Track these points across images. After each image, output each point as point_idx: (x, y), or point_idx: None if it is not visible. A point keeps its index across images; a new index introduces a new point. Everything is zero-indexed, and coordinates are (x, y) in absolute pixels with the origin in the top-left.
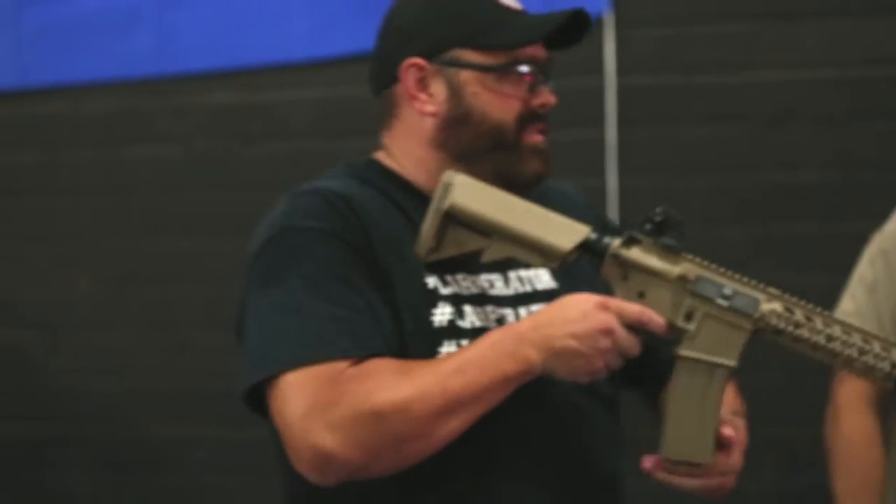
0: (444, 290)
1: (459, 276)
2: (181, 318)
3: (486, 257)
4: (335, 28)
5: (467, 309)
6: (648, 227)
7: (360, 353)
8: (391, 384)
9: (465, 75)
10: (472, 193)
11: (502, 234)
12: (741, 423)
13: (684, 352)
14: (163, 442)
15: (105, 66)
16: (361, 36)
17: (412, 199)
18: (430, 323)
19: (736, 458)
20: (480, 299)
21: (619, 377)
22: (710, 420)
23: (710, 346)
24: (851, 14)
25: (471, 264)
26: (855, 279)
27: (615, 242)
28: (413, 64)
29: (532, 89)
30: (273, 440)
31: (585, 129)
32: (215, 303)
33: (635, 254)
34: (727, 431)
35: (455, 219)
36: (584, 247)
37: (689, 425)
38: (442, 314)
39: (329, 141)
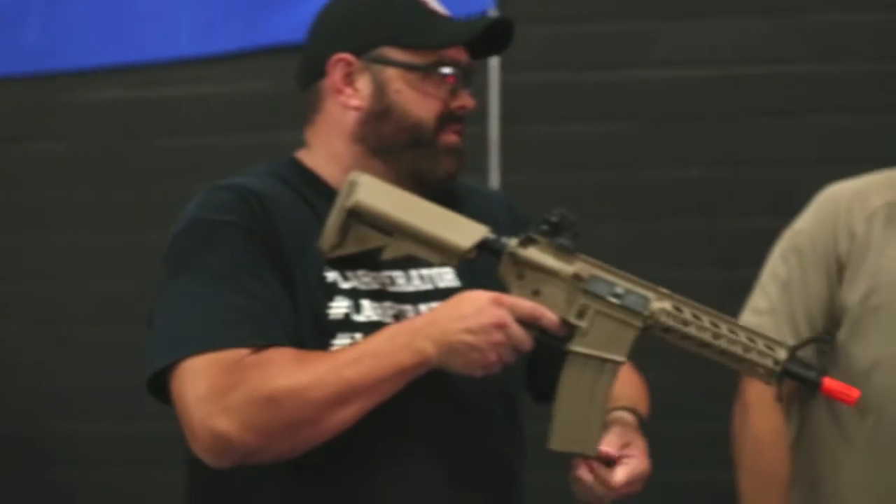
0: (344, 285)
1: (361, 272)
2: (68, 314)
3: (387, 254)
4: (225, 24)
5: (365, 303)
6: (545, 227)
7: (261, 342)
8: (288, 371)
9: (390, 72)
10: (375, 192)
11: (403, 233)
12: (634, 438)
13: (576, 347)
14: (53, 437)
15: None
16: (252, 32)
17: (323, 196)
18: (326, 315)
19: (619, 476)
20: (379, 295)
21: (530, 379)
22: (597, 414)
23: (601, 343)
24: (738, 14)
25: (373, 261)
26: (767, 276)
27: (512, 242)
28: (341, 59)
29: (453, 91)
30: (180, 425)
31: (468, 126)
32: (104, 298)
33: (531, 253)
34: (606, 449)
35: (358, 216)
36: (482, 246)
37: (577, 418)
38: (338, 307)
39: (218, 136)
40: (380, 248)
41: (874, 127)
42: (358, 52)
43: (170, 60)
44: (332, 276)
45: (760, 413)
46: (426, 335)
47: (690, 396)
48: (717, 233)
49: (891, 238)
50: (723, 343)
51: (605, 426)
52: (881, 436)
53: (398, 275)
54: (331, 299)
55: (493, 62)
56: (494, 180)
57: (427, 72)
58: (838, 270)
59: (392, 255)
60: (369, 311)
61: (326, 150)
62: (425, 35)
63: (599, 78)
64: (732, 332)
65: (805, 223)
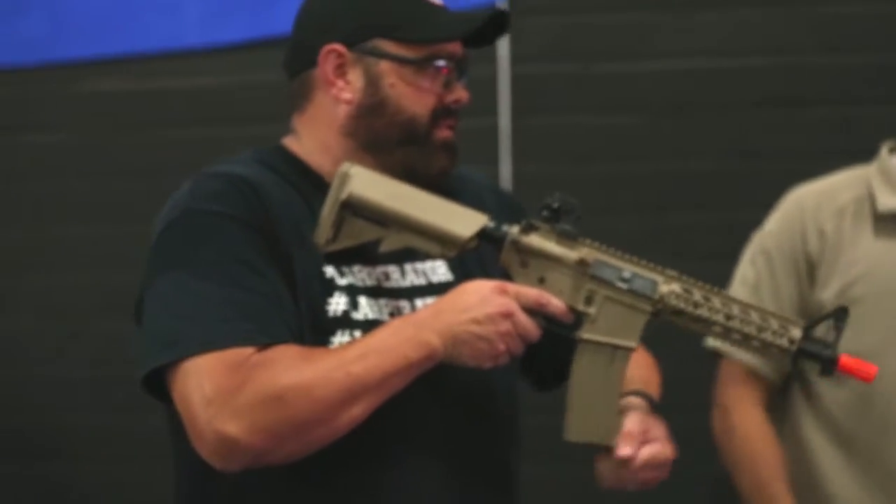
0: (341, 281)
1: (356, 267)
2: (70, 305)
3: (385, 247)
4: (229, 15)
5: (362, 300)
6: (546, 213)
7: (266, 339)
8: (295, 369)
9: (384, 66)
10: (368, 183)
11: (400, 224)
12: (652, 423)
13: (585, 335)
14: (56, 430)
15: None
16: (259, 21)
17: (312, 186)
18: (325, 312)
19: (643, 454)
20: (375, 291)
21: (528, 366)
22: (612, 402)
23: (611, 329)
24: (748, 4)
25: (368, 255)
26: (737, 280)
27: (513, 230)
28: (333, 50)
29: (447, 85)
30: (169, 423)
31: (479, 118)
32: (107, 290)
33: (534, 240)
34: (625, 449)
35: (352, 209)
36: (483, 235)
37: (592, 408)
38: (337, 304)
39: (227, 128)
40: (376, 240)
41: (886, 118)
42: (350, 44)
43: (175, 51)
44: (329, 271)
45: (743, 412)
46: (431, 327)
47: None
48: (727, 225)
49: (862, 230)
50: (735, 324)
51: (621, 412)
52: (867, 432)
53: (393, 269)
54: (329, 295)
55: (503, 53)
56: (506, 172)
57: (422, 65)
58: (808, 270)
59: (389, 247)
60: (366, 308)
61: (316, 141)
62: (421, 28)
63: (609, 69)
64: (745, 312)
65: (771, 226)
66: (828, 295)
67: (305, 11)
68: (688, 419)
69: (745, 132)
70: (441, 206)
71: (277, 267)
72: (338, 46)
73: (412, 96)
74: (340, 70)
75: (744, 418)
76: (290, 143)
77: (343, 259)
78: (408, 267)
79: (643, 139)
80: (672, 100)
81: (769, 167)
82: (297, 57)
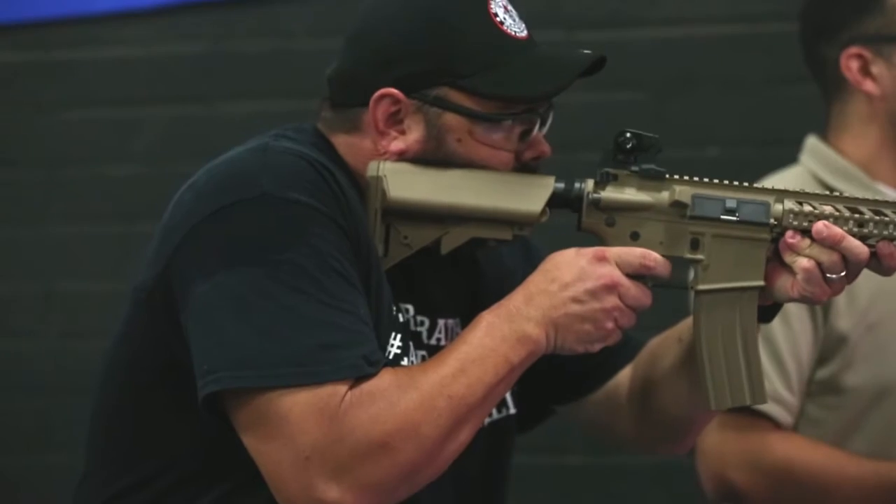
0: (400, 318)
1: (409, 307)
2: None
3: (446, 247)
4: None
5: (410, 346)
6: (620, 156)
7: (368, 371)
8: (396, 406)
9: (450, 119)
10: (407, 180)
11: (457, 216)
12: None
13: (702, 286)
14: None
15: None
16: None
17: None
18: (388, 353)
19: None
20: (418, 340)
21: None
22: (751, 353)
23: (729, 271)
24: None
25: (416, 297)
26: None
27: (588, 185)
28: (387, 95)
29: (525, 137)
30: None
31: None
32: None
33: (615, 191)
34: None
35: (397, 214)
36: (554, 201)
37: (730, 366)
38: (392, 346)
39: (141, 108)
40: (432, 245)
41: None
42: (410, 90)
43: (80, 17)
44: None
45: (778, 439)
46: (527, 317)
47: None
48: None
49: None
50: (871, 228)
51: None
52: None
53: (423, 319)
54: (391, 334)
55: None
56: None
57: (497, 122)
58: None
59: (451, 246)
60: (413, 357)
61: (359, 165)
62: (499, 80)
63: (597, 38)
64: (877, 212)
65: None
66: (846, 323)
67: (360, 38)
68: None
69: (761, 111)
70: (496, 183)
71: (361, 283)
72: (394, 91)
73: (484, 155)
74: (394, 117)
75: (780, 443)
76: (330, 136)
77: (398, 294)
78: (440, 322)
79: (641, 122)
80: (675, 75)
81: (788, 152)
82: (345, 89)
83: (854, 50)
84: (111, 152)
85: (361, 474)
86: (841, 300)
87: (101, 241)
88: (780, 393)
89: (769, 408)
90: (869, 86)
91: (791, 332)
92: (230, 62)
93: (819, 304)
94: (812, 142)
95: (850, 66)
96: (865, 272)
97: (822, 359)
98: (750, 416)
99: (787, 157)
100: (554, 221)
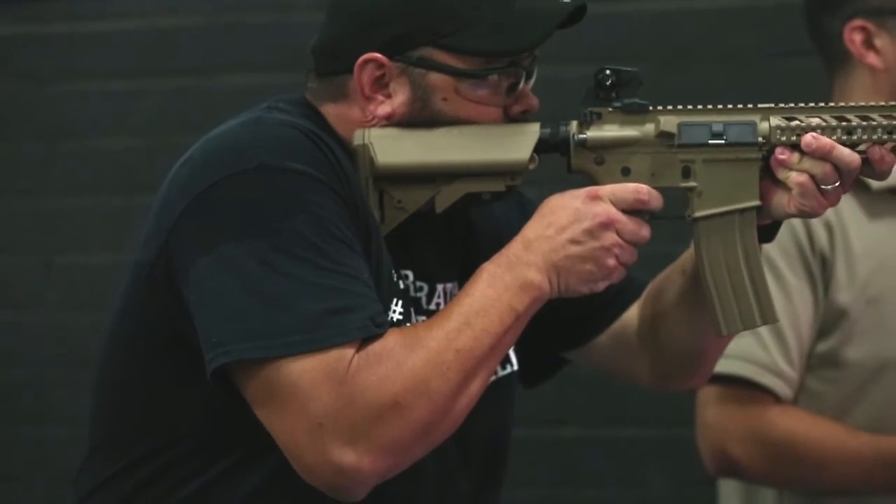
0: (400, 285)
1: (409, 273)
2: None
3: (440, 206)
4: None
5: (412, 312)
6: (602, 94)
7: (375, 332)
8: (404, 364)
9: (435, 78)
10: (393, 145)
11: (447, 174)
12: None
13: (698, 212)
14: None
15: None
16: None
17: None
18: (390, 319)
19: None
20: (419, 306)
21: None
22: (756, 273)
23: (724, 194)
24: None
25: (418, 264)
26: None
27: (573, 127)
28: (371, 59)
29: (511, 91)
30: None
31: None
32: None
33: (600, 130)
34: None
35: (388, 179)
36: (542, 147)
37: (737, 288)
38: (394, 312)
39: (141, 81)
40: (426, 206)
41: None
42: (393, 53)
43: None
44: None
45: (778, 413)
46: (527, 263)
47: None
48: None
49: (855, 214)
50: (859, 134)
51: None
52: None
53: (422, 285)
54: (392, 300)
55: None
56: None
57: (481, 77)
58: (822, 271)
59: (445, 204)
60: (414, 322)
61: (347, 138)
62: (479, 36)
63: (596, 11)
64: (864, 118)
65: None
66: (846, 298)
67: (346, 2)
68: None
69: (761, 85)
70: (482, 136)
71: (362, 250)
72: (377, 56)
73: (470, 111)
74: (380, 81)
75: (780, 418)
76: (322, 108)
77: (398, 261)
78: (438, 287)
79: (642, 96)
80: (675, 48)
81: None
82: (330, 57)
83: (858, 23)
84: (110, 125)
85: (376, 436)
86: (841, 274)
87: (100, 213)
88: (780, 366)
89: (769, 381)
90: (872, 58)
91: (792, 305)
92: (229, 34)
93: (817, 216)
94: None
95: (853, 38)
96: (865, 244)
97: (822, 332)
98: (750, 389)
99: None
100: (547, 173)
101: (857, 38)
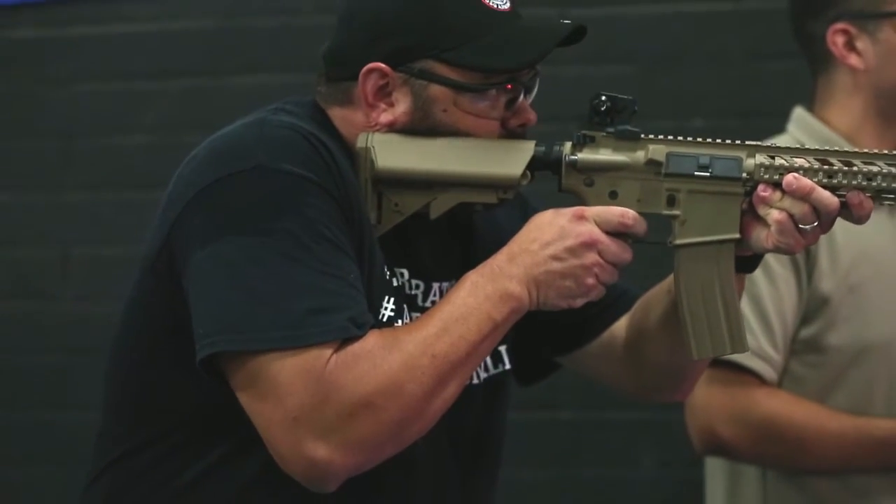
0: (394, 282)
1: (404, 271)
2: None
3: (434, 212)
4: None
5: (405, 309)
6: (596, 119)
7: (355, 333)
8: (379, 366)
9: (436, 90)
10: (394, 150)
11: (443, 182)
12: None
13: (680, 240)
14: None
15: None
16: None
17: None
18: (381, 316)
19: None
20: (413, 303)
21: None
22: (730, 303)
23: (706, 225)
24: None
25: (413, 261)
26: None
27: (566, 147)
28: (376, 69)
29: (510, 105)
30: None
31: None
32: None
33: (592, 153)
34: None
35: (386, 182)
36: (535, 165)
37: (710, 316)
38: (385, 309)
39: (153, 82)
40: (421, 210)
41: None
42: (396, 64)
43: None
44: (385, 269)
45: (764, 395)
46: (509, 275)
47: None
48: None
49: None
50: (840, 179)
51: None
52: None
53: (418, 283)
54: (384, 297)
55: None
56: None
57: (481, 91)
58: (806, 262)
59: (440, 211)
60: (407, 319)
61: (351, 141)
62: (480, 51)
63: (588, 14)
64: (847, 163)
65: None
66: (828, 285)
67: (350, 14)
68: None
69: (748, 86)
70: (479, 150)
71: (355, 251)
72: (381, 66)
73: (469, 124)
74: (383, 91)
75: (765, 398)
76: (329, 111)
77: (393, 259)
78: (435, 286)
79: (631, 94)
80: (663, 49)
81: (774, 124)
82: (337, 64)
83: (840, 26)
84: (126, 124)
85: (348, 433)
86: (824, 263)
87: (115, 208)
88: (765, 350)
89: (755, 364)
90: (853, 60)
91: (777, 292)
92: (239, 38)
93: (794, 253)
94: (799, 113)
95: (835, 41)
96: (847, 234)
97: (805, 319)
98: (737, 371)
99: (768, 127)
100: (551, 187)
101: (840, 40)
